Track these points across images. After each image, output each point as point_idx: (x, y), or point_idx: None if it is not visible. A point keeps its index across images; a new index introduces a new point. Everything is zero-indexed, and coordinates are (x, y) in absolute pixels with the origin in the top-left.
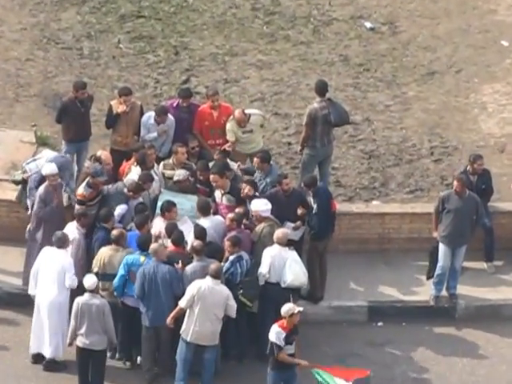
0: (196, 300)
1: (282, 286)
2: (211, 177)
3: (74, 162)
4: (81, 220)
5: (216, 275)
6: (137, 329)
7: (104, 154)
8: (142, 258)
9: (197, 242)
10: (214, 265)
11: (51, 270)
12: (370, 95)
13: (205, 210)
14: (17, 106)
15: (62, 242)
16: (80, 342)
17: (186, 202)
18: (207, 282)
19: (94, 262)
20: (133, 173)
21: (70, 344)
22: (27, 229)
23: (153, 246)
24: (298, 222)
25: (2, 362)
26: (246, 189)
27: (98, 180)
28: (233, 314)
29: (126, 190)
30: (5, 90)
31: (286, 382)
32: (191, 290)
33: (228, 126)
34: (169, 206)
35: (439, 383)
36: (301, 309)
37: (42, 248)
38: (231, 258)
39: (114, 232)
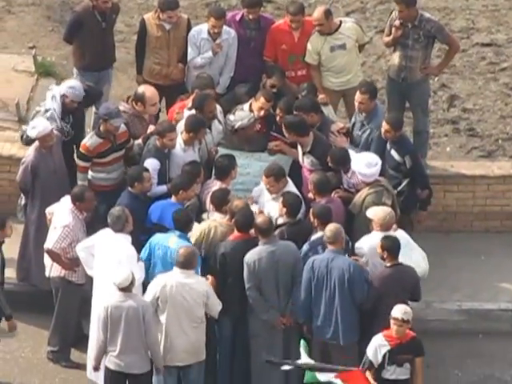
0: (161, 304)
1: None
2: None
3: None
4: (76, 204)
5: (185, 263)
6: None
7: (149, 91)
8: (173, 240)
9: (262, 219)
10: (181, 249)
11: (108, 265)
12: None
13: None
14: (8, 18)
15: (122, 224)
16: (111, 362)
17: (254, 163)
18: (174, 275)
19: (193, 240)
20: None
21: (96, 368)
22: (18, 204)
23: (332, 228)
24: None
25: None
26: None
27: (112, 125)
28: (215, 313)
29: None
30: None
31: None
32: (152, 289)
33: (310, 41)
34: (229, 164)
35: None
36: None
37: (38, 230)
38: (313, 237)
39: (238, 203)
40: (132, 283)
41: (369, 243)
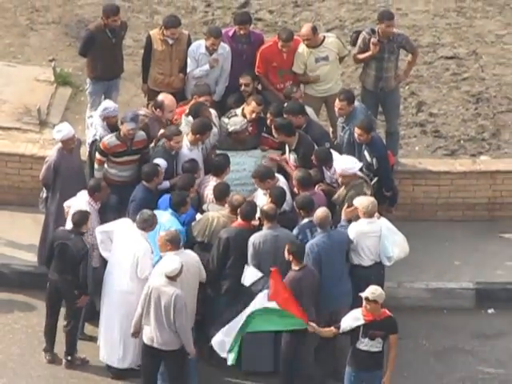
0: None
1: (388, 263)
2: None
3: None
4: (93, 195)
5: (174, 242)
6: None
7: (168, 99)
8: (165, 217)
9: (269, 206)
10: (163, 234)
11: (124, 255)
12: (478, 23)
13: (263, 177)
14: (31, 35)
15: (148, 225)
16: (146, 336)
17: (248, 160)
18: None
19: (198, 228)
20: (183, 125)
21: (134, 335)
22: (40, 197)
23: (319, 214)
24: None
25: (11, 359)
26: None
27: (125, 127)
28: (204, 278)
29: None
30: (16, 16)
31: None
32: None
33: (297, 54)
34: (225, 163)
35: None
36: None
37: (57, 220)
38: (301, 222)
39: (237, 197)
40: (178, 275)
41: (355, 229)
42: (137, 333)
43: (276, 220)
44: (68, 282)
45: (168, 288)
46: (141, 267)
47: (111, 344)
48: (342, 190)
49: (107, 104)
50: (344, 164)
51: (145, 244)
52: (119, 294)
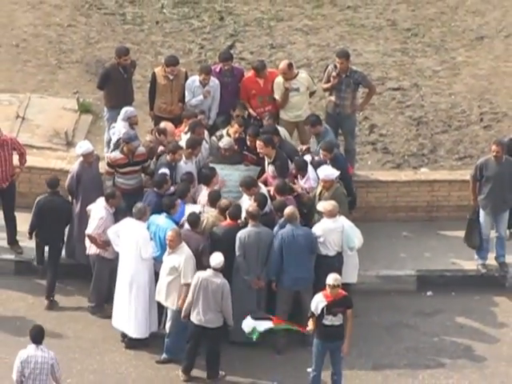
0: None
1: (350, 252)
2: (257, 143)
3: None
4: (109, 201)
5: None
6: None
7: (169, 126)
8: (161, 219)
9: (253, 207)
10: (170, 232)
11: (129, 243)
12: (418, 60)
13: (248, 185)
14: (59, 72)
15: (142, 214)
16: (194, 317)
17: (234, 172)
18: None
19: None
20: (183, 141)
21: (185, 317)
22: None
23: (287, 211)
24: None
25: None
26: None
27: (132, 145)
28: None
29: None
30: (47, 57)
31: (332, 352)
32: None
33: (275, 84)
34: (210, 174)
35: (490, 354)
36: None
37: (80, 221)
38: (280, 221)
39: (224, 201)
40: (222, 267)
41: (321, 227)
42: (187, 316)
43: (259, 219)
44: (59, 236)
45: (215, 278)
46: (143, 249)
47: (122, 316)
48: (326, 195)
49: (126, 108)
50: (326, 171)
51: (144, 231)
52: (129, 276)
